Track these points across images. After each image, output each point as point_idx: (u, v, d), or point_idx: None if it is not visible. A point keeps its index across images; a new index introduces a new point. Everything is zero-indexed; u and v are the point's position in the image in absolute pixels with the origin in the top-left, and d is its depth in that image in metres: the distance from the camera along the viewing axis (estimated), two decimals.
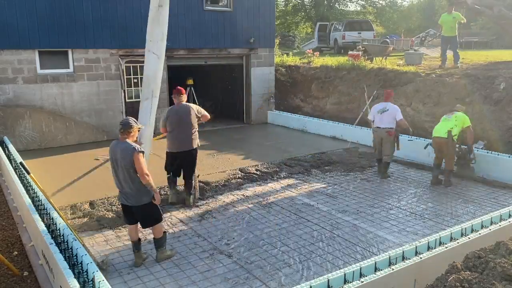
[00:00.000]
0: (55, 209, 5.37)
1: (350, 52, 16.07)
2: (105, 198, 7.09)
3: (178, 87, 7.01)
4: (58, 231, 4.81)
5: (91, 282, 3.75)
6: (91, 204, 6.91)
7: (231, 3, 13.23)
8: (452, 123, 7.72)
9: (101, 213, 6.58)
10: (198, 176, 7.12)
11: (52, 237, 4.61)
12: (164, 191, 7.38)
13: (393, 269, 3.89)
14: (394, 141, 8.31)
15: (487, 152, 8.41)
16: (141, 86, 12.09)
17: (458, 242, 4.46)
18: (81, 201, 6.99)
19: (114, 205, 6.86)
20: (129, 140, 4.81)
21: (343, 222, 6.39)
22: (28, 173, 5.80)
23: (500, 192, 7.52)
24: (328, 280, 3.64)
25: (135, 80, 12.11)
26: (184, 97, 6.89)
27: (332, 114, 13.51)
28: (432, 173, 8.09)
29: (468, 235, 4.66)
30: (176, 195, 7.11)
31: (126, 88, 11.95)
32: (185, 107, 6.82)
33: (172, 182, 7.13)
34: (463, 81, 10.66)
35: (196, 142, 6.97)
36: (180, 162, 6.97)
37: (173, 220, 6.54)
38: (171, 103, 12.90)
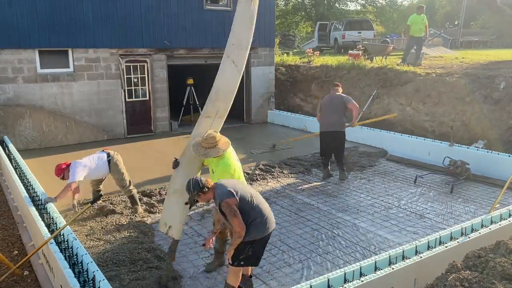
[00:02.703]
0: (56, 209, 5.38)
1: (350, 52, 16.06)
2: (106, 197, 7.09)
3: (337, 82, 9.31)
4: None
5: (91, 281, 3.75)
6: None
7: (231, 3, 13.22)
8: None
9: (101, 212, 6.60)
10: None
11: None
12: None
13: (393, 269, 3.89)
14: None
15: (487, 152, 8.41)
16: (140, 86, 12.21)
17: (458, 242, 4.46)
18: (81, 200, 7.00)
19: (114, 204, 6.86)
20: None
21: (343, 221, 6.39)
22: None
23: (500, 192, 7.50)
24: (328, 280, 3.64)
25: (135, 80, 12.11)
26: (339, 89, 8.37)
27: None
28: None
29: (468, 234, 4.66)
30: (327, 174, 8.41)
31: (126, 88, 11.94)
32: (336, 95, 8.19)
33: (324, 164, 8.47)
34: (463, 80, 10.66)
35: (343, 126, 8.09)
36: (328, 142, 8.17)
37: None
38: (171, 102, 12.97)
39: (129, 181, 6.63)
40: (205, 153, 4.58)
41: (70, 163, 6.12)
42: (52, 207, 5.41)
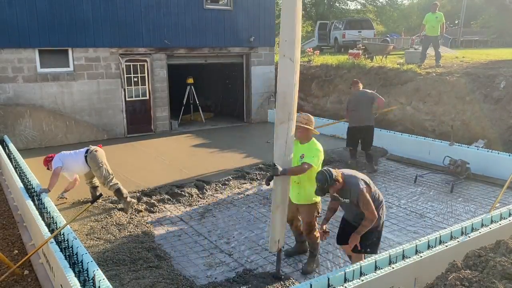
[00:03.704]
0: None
1: (350, 51, 16.06)
2: (106, 196, 7.08)
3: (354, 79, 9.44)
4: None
5: (92, 280, 3.75)
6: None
7: (231, 2, 13.21)
8: None
9: (101, 211, 6.59)
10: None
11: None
12: None
13: (393, 268, 3.89)
14: None
15: (487, 151, 8.41)
16: (140, 85, 12.21)
17: (458, 241, 4.45)
18: (81, 199, 7.01)
19: (113, 204, 6.86)
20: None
21: None
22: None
23: (500, 191, 7.50)
24: (328, 279, 3.64)
25: (135, 79, 12.11)
26: (359, 85, 8.70)
27: (333, 113, 13.51)
28: None
29: (468, 233, 4.65)
30: (355, 164, 8.69)
31: (126, 87, 11.94)
32: (362, 92, 8.59)
33: (352, 154, 8.87)
34: (463, 79, 10.65)
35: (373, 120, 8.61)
36: (359, 136, 8.62)
37: (173, 218, 6.54)
38: (171, 102, 12.97)
39: (112, 177, 6.60)
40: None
41: (55, 155, 6.56)
42: (52, 207, 5.41)
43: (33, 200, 5.80)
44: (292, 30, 4.52)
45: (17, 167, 7.61)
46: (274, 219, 4.69)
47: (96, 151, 6.58)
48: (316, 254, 5.06)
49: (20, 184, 6.41)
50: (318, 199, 4.90)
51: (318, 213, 5.00)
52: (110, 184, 6.56)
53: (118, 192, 6.61)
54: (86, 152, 6.56)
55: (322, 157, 4.85)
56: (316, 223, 5.01)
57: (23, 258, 5.03)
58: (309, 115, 4.95)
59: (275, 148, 4.61)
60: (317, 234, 4.95)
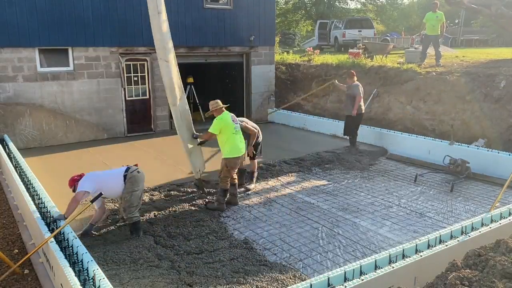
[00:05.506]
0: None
1: (350, 50, 16.05)
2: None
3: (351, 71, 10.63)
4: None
5: (92, 280, 3.75)
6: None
7: (231, 1, 13.20)
8: None
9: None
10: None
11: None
12: None
13: (393, 267, 3.89)
14: None
15: (487, 150, 8.41)
16: (140, 85, 12.22)
17: (458, 240, 4.46)
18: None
19: (114, 203, 6.85)
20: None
21: (343, 220, 6.39)
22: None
23: (500, 190, 7.49)
24: (328, 278, 3.64)
25: (135, 78, 12.10)
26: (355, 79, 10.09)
27: (333, 112, 13.50)
28: None
29: (468, 233, 4.66)
30: (352, 150, 10.07)
31: (126, 86, 11.94)
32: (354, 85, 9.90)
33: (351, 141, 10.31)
34: (463, 79, 10.65)
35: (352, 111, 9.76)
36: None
37: None
38: None
39: (136, 207, 5.68)
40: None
41: (84, 175, 5.59)
42: (52, 206, 5.41)
43: (33, 199, 5.80)
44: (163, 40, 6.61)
45: (17, 166, 7.62)
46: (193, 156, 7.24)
47: (138, 172, 5.66)
48: (220, 195, 6.81)
49: (20, 184, 6.40)
50: (227, 156, 6.69)
51: (227, 167, 6.68)
52: (131, 215, 5.62)
53: (133, 226, 5.70)
54: (126, 171, 5.63)
55: (221, 124, 6.64)
56: (226, 175, 6.74)
57: (23, 257, 5.03)
58: (213, 101, 6.80)
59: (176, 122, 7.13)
60: (225, 183, 6.75)
